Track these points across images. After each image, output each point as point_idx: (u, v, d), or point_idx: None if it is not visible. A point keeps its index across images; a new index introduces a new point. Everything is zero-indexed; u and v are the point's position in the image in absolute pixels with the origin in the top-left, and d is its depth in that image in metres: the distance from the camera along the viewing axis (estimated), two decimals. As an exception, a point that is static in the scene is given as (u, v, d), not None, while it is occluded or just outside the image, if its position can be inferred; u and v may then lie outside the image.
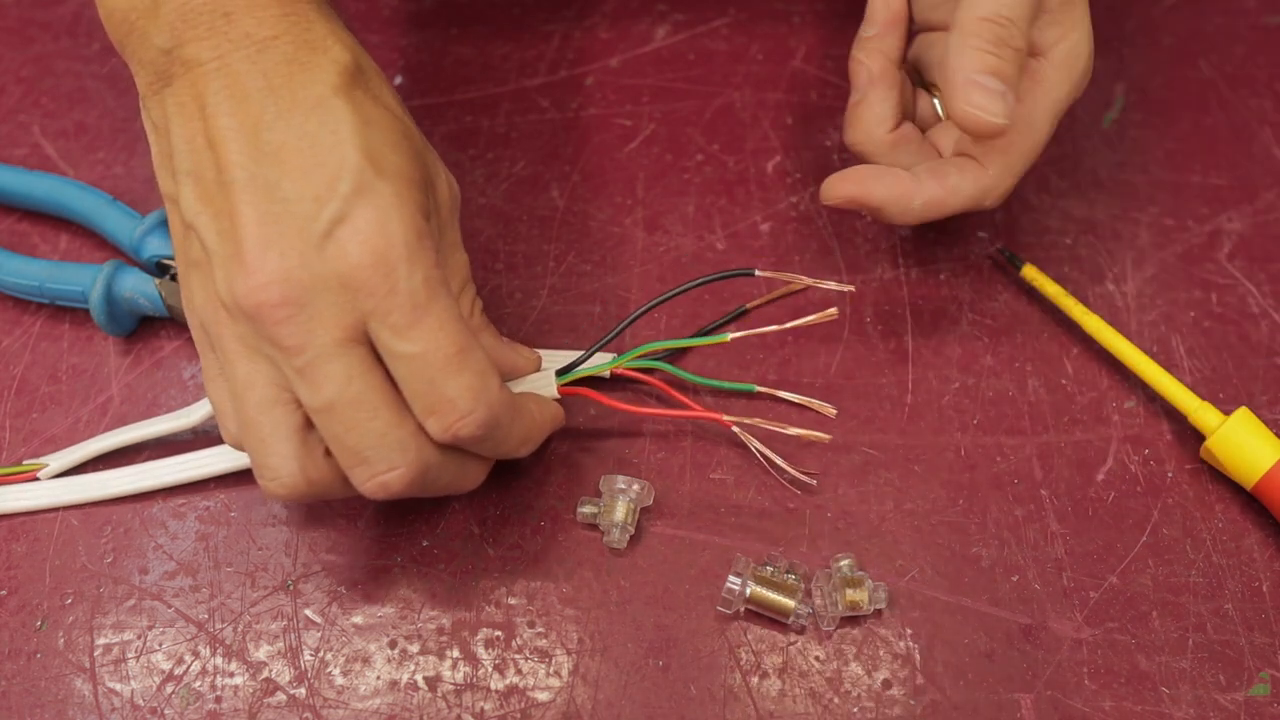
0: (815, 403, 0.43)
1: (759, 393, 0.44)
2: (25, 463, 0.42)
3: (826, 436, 0.42)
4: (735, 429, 0.42)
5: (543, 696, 0.38)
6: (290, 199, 0.33)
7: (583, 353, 0.42)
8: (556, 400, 0.41)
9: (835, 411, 0.43)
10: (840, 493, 0.42)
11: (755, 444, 0.42)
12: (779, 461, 0.42)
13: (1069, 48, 0.41)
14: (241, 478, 0.43)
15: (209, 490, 0.42)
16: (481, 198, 0.49)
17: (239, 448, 0.37)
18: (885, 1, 0.43)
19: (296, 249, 0.33)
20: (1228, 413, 0.42)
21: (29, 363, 0.46)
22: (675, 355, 0.45)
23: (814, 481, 0.42)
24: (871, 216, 0.44)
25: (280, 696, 0.39)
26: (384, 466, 0.35)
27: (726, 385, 0.44)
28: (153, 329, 0.46)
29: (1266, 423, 0.42)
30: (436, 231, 0.37)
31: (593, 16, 0.55)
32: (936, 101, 0.45)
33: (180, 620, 0.40)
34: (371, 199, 0.34)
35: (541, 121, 0.52)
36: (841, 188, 0.41)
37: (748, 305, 0.46)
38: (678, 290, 0.42)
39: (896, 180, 0.41)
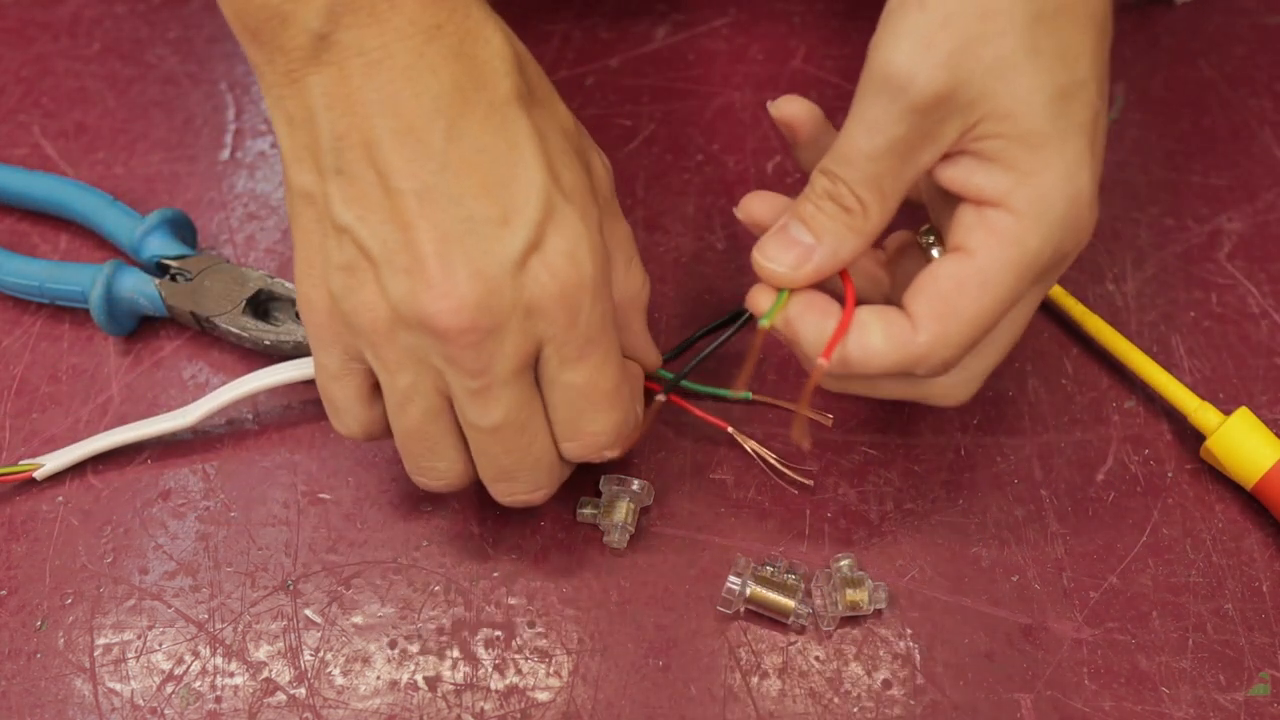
0: (812, 413, 0.43)
1: (755, 400, 0.44)
2: (21, 463, 0.42)
3: (829, 419, 0.43)
4: (730, 430, 0.42)
5: (543, 696, 0.38)
6: (475, 219, 0.32)
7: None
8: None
9: (832, 419, 0.43)
10: (840, 493, 0.42)
11: (752, 445, 0.42)
12: (775, 463, 0.42)
13: (1034, 194, 0.33)
14: (240, 479, 0.43)
15: (209, 490, 0.42)
16: (481, 198, 0.49)
17: (360, 436, 0.38)
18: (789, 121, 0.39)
19: (488, 275, 0.32)
20: (1228, 413, 0.42)
21: (29, 363, 0.46)
22: (670, 359, 0.45)
23: (810, 483, 0.42)
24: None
25: (280, 696, 0.39)
26: (529, 486, 0.37)
27: (722, 393, 0.44)
28: (153, 329, 0.46)
29: (1266, 423, 0.42)
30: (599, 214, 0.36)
31: (593, 16, 0.55)
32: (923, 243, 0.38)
33: (180, 620, 0.40)
34: (561, 226, 0.33)
35: (541, 121, 0.52)
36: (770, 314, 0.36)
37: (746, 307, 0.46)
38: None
39: (821, 323, 0.35)
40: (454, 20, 0.33)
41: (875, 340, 0.34)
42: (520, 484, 0.37)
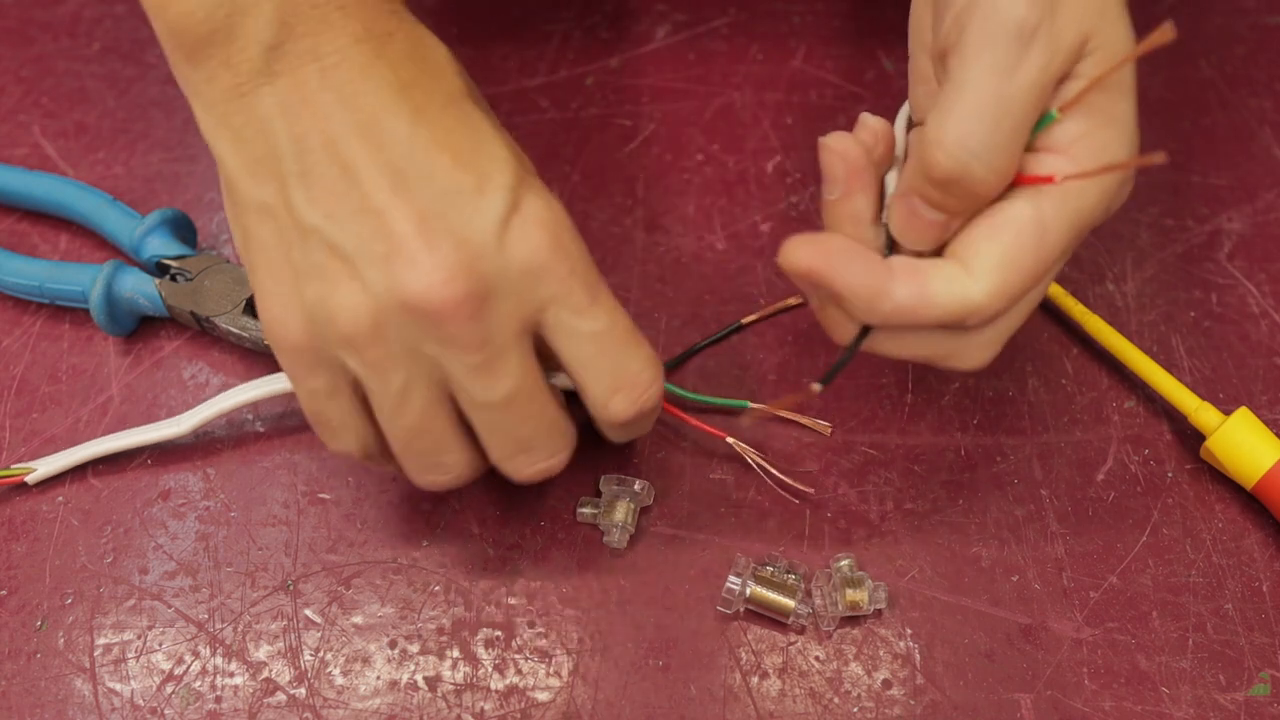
0: (811, 420, 0.43)
1: (754, 409, 0.44)
2: (14, 467, 0.42)
3: (827, 428, 0.42)
4: (730, 440, 0.42)
5: (543, 696, 0.38)
6: (450, 191, 0.32)
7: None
8: None
9: (830, 429, 0.43)
10: (840, 493, 0.42)
11: (752, 455, 0.42)
12: (774, 471, 0.42)
13: (1098, 146, 0.32)
14: (240, 479, 0.43)
15: (209, 490, 0.42)
16: (481, 198, 0.49)
17: (359, 453, 0.36)
18: (841, 157, 0.34)
19: (475, 241, 0.32)
20: (1228, 413, 0.42)
21: (29, 363, 0.46)
22: (670, 370, 0.45)
23: (811, 490, 0.42)
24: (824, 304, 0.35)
25: (280, 696, 0.39)
26: (548, 452, 0.36)
27: (720, 401, 0.43)
28: (153, 329, 0.46)
29: (1266, 423, 0.42)
30: None
31: (593, 16, 0.55)
32: None
33: (180, 620, 0.40)
34: (533, 188, 0.33)
35: (541, 121, 0.52)
36: (804, 256, 0.33)
37: (744, 321, 0.46)
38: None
39: (869, 269, 0.32)
40: (403, 30, 0.34)
41: (937, 286, 0.32)
42: (540, 452, 0.36)
